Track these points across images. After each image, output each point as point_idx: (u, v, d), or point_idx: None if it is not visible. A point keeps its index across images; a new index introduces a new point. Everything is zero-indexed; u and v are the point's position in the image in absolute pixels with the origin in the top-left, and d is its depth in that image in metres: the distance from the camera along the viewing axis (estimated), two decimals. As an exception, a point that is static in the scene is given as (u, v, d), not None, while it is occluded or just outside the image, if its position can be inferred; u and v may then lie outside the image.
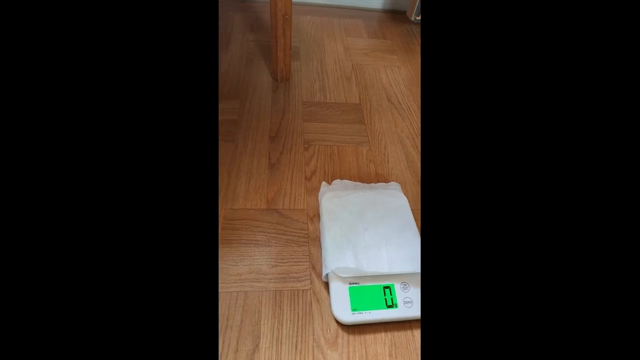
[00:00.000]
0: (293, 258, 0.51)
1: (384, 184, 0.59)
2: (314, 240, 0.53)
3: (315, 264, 0.50)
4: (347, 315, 0.44)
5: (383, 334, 0.45)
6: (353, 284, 0.46)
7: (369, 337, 0.45)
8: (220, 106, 0.72)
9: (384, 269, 0.47)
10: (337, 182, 0.58)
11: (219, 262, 0.49)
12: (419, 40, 1.00)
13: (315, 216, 0.56)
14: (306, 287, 0.48)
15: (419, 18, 1.04)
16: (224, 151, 0.64)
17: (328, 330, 0.45)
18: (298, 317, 0.45)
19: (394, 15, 1.10)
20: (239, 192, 0.58)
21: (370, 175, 0.63)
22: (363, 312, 0.45)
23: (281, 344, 0.43)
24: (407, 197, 0.57)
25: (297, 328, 0.44)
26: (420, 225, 0.54)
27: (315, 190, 0.59)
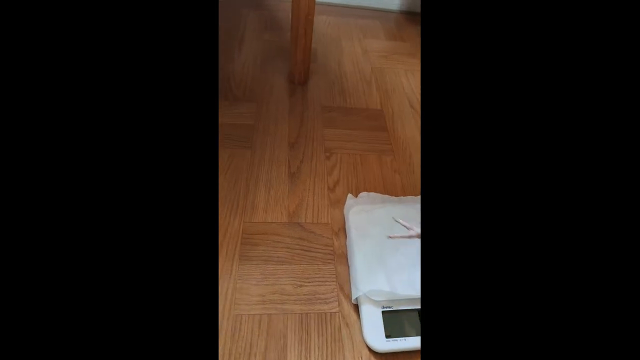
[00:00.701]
0: (319, 277, 0.47)
1: (413, 197, 0.56)
2: (340, 258, 0.49)
3: (342, 284, 0.47)
4: (381, 343, 0.41)
5: (419, 363, 0.42)
6: (386, 307, 0.43)
7: (404, 367, 0.41)
8: (236, 110, 0.68)
9: (419, 290, 0.43)
10: (363, 194, 0.54)
11: (240, 281, 0.46)
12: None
13: (341, 231, 0.52)
14: (334, 310, 0.45)
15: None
16: (241, 158, 0.60)
17: (360, 359, 0.41)
18: (327, 344, 0.42)
19: (412, 16, 1.06)
20: (258, 204, 0.54)
21: (396, 187, 0.59)
22: (398, 339, 0.41)
23: (310, 374, 0.39)
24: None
25: (327, 356, 0.41)
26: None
27: (339, 202, 0.55)
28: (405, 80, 0.82)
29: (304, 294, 0.45)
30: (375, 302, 0.43)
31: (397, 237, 0.47)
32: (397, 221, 0.49)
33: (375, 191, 0.57)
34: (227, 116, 0.67)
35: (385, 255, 0.46)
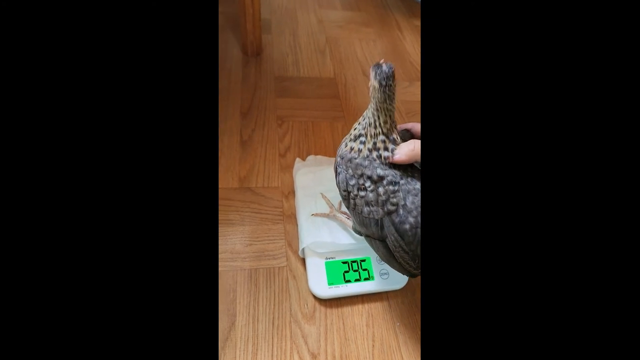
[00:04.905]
0: (268, 236, 0.50)
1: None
2: (290, 218, 0.52)
3: (291, 241, 0.50)
4: (324, 290, 0.44)
5: (360, 305, 0.45)
6: (329, 258, 0.46)
7: (347, 310, 0.45)
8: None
9: (359, 240, 0.46)
10: (311, 157, 0.56)
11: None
12: (395, 13, 0.98)
13: (291, 193, 0.55)
14: (282, 265, 0.47)
15: (394, -11, 1.02)
16: (193, 129, 0.60)
17: (305, 306, 0.44)
18: (274, 294, 0.45)
19: (369, -14, 1.06)
20: (210, 172, 0.55)
21: (345, 151, 0.61)
22: (340, 285, 0.44)
23: (257, 321, 0.42)
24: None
25: (274, 305, 0.44)
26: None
27: (290, 167, 0.57)
28: (359, 50, 0.83)
29: (253, 252, 0.48)
30: (319, 254, 0.46)
31: (319, 215, 0.48)
32: (323, 197, 0.49)
33: (325, 155, 0.59)
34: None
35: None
